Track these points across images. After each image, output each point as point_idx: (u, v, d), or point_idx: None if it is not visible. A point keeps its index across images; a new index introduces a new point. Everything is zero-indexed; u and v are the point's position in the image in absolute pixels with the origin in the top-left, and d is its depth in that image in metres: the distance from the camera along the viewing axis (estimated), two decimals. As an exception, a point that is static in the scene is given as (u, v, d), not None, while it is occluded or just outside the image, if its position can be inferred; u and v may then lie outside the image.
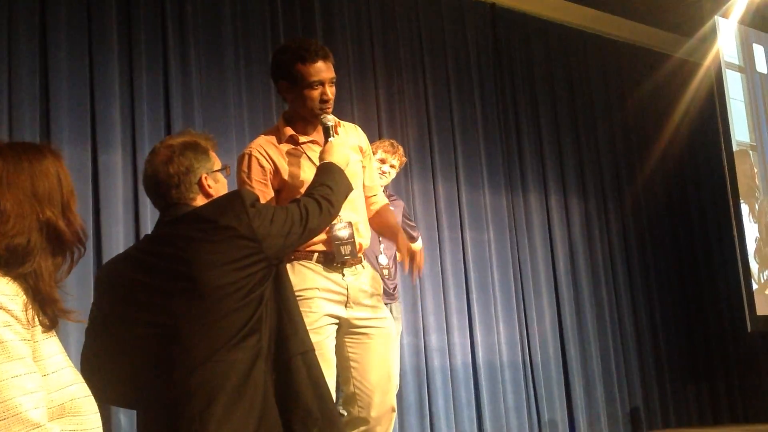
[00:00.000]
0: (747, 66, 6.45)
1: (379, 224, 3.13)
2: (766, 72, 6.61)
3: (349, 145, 2.92)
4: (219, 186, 2.39)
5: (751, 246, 6.02)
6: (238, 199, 2.25)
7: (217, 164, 2.41)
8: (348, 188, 2.67)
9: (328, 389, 2.39)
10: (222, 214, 2.22)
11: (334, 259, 2.82)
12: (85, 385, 1.73)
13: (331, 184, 2.54)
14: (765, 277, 6.08)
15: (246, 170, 2.84)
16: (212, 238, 2.20)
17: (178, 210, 2.31)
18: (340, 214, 2.68)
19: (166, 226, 2.33)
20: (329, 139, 2.79)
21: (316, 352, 2.66)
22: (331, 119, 2.85)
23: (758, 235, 6.11)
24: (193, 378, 2.08)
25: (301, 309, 2.68)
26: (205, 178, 2.33)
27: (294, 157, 2.89)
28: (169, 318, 2.13)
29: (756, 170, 6.27)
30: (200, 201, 2.33)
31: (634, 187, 6.74)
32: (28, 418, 1.52)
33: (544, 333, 5.78)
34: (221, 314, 2.13)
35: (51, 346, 1.67)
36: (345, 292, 2.84)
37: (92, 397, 1.73)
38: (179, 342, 2.10)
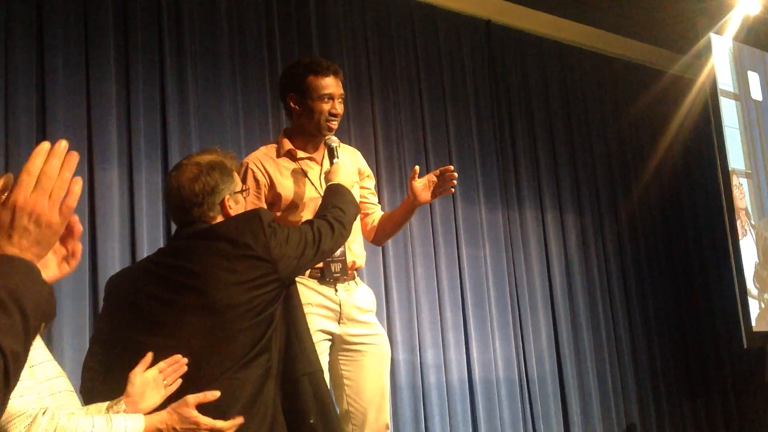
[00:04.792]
0: (742, 93, 6.47)
1: (386, 223, 3.16)
2: (761, 99, 6.64)
3: (353, 168, 2.96)
4: (239, 207, 2.42)
5: (748, 268, 6.01)
6: (256, 218, 2.27)
7: (239, 185, 2.44)
8: (357, 210, 2.70)
9: (335, 409, 2.39)
10: (239, 233, 2.24)
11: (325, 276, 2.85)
12: (67, 379, 1.73)
13: (342, 206, 2.56)
14: (765, 300, 6.07)
15: (241, 179, 2.88)
16: (228, 256, 2.21)
17: (196, 226, 2.32)
18: None
19: (182, 240, 2.35)
20: (335, 160, 2.80)
21: None
22: (335, 140, 2.88)
23: (757, 260, 6.11)
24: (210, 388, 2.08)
25: None
26: (228, 199, 2.37)
27: (291, 171, 2.92)
28: (180, 332, 2.14)
29: (743, 193, 6.27)
30: (219, 220, 2.36)
31: (630, 202, 6.75)
32: (12, 405, 1.50)
33: (541, 349, 5.77)
34: (232, 332, 2.13)
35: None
36: (338, 308, 2.85)
37: (74, 393, 1.73)
38: (189, 358, 2.10)
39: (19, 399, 1.53)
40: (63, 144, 1.07)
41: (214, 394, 2.01)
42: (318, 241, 2.39)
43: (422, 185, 3.05)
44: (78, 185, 1.09)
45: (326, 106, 2.88)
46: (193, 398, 1.96)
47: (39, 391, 1.60)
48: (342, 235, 2.51)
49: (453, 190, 3.12)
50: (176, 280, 2.22)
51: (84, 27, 4.20)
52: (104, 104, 4.18)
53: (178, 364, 2.07)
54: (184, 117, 4.44)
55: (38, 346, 1.69)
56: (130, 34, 4.34)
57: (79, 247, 1.34)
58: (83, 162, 4.06)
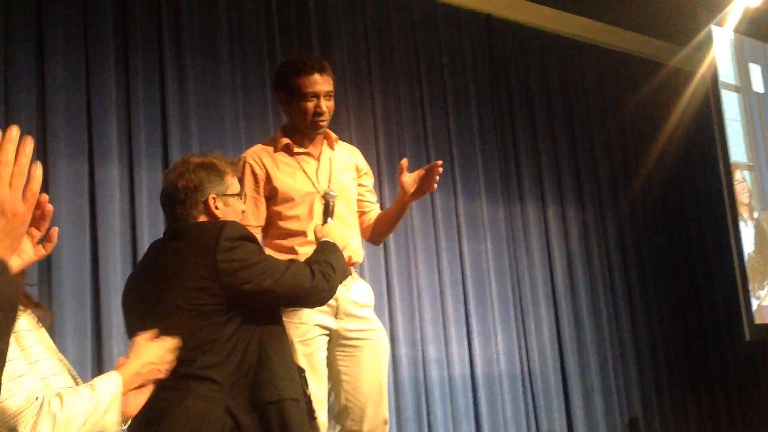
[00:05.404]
0: (743, 86, 6.45)
1: (381, 222, 3.15)
2: (762, 91, 6.62)
3: (344, 167, 3.01)
4: (228, 210, 2.39)
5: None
6: (215, 230, 2.24)
7: (233, 189, 2.41)
8: (346, 273, 2.64)
9: None
10: (196, 240, 2.24)
11: None
12: (69, 376, 1.72)
13: (334, 264, 2.46)
14: (755, 289, 6.07)
15: (240, 176, 2.89)
16: (181, 259, 2.23)
17: (175, 225, 2.33)
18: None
19: (163, 239, 2.36)
20: (328, 220, 2.76)
21: (308, 364, 2.67)
22: (334, 195, 2.82)
23: (752, 249, 6.11)
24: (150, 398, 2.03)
25: (290, 320, 2.71)
26: (213, 199, 2.34)
27: (287, 166, 2.94)
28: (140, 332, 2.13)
29: (748, 185, 6.27)
30: (203, 219, 2.34)
31: (632, 195, 6.74)
32: (16, 401, 1.49)
33: (543, 344, 5.77)
34: (177, 335, 2.11)
35: (30, 338, 1.66)
36: (334, 303, 2.85)
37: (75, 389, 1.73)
38: None
39: (26, 394, 1.52)
40: (15, 130, 1.04)
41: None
42: (287, 280, 2.29)
43: (411, 180, 3.04)
44: (38, 169, 1.06)
45: (311, 105, 2.89)
46: (143, 336, 1.91)
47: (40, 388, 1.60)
48: (324, 289, 2.39)
49: (435, 186, 3.05)
50: (148, 281, 2.24)
51: (83, 25, 4.20)
52: (104, 101, 4.18)
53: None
54: (184, 114, 4.44)
55: (36, 343, 1.68)
56: (130, 30, 4.33)
57: (55, 231, 1.32)
58: (84, 160, 4.06)
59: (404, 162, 3.06)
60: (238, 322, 2.22)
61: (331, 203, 2.79)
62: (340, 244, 2.62)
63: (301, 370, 2.52)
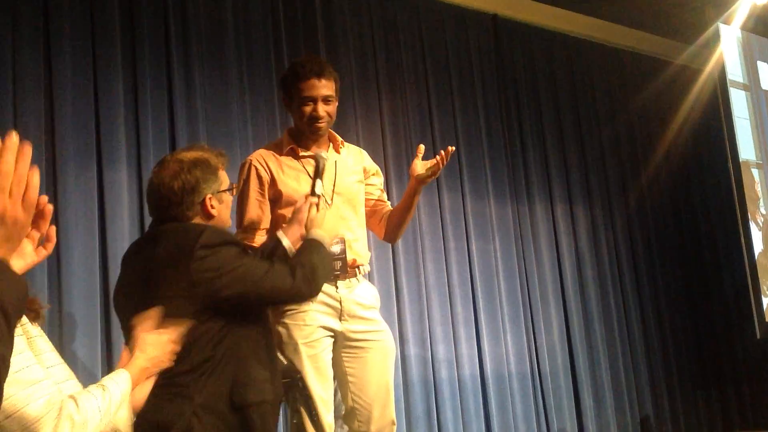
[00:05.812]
0: (751, 84, 6.42)
1: (392, 216, 3.17)
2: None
3: (349, 171, 3.02)
4: (222, 207, 2.36)
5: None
6: (193, 238, 2.22)
7: (225, 183, 2.38)
8: (331, 271, 2.62)
9: None
10: (173, 248, 2.22)
11: None
12: (77, 381, 1.74)
13: (318, 264, 2.43)
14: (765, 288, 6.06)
15: (245, 178, 2.92)
16: (160, 267, 2.21)
17: (159, 227, 2.31)
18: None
19: (144, 241, 2.35)
20: (317, 181, 2.75)
21: (312, 366, 2.68)
22: (324, 158, 2.83)
23: (761, 248, 6.09)
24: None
25: (295, 322, 2.72)
26: (209, 199, 2.31)
27: (292, 169, 2.95)
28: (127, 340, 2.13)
29: (757, 183, 6.25)
30: (198, 221, 2.32)
31: (640, 194, 6.73)
32: (37, 407, 1.51)
33: (552, 342, 5.76)
34: None
35: (42, 343, 1.68)
36: (338, 305, 2.86)
37: None
38: None
39: (45, 399, 1.53)
40: (14, 137, 1.06)
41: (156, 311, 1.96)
42: (268, 282, 2.29)
43: (422, 165, 3.06)
44: (36, 176, 1.08)
45: (308, 109, 2.90)
46: (142, 329, 1.94)
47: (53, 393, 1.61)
48: (304, 293, 2.39)
49: (438, 162, 3.05)
50: (131, 287, 2.24)
51: (91, 28, 4.22)
52: (112, 105, 4.20)
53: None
54: (192, 117, 4.45)
55: (47, 349, 1.69)
56: (137, 36, 4.35)
57: (53, 230, 1.34)
58: (92, 164, 4.08)
59: (421, 147, 3.09)
60: (218, 327, 2.22)
61: (321, 163, 2.80)
62: (331, 233, 2.62)
63: (297, 372, 2.53)
